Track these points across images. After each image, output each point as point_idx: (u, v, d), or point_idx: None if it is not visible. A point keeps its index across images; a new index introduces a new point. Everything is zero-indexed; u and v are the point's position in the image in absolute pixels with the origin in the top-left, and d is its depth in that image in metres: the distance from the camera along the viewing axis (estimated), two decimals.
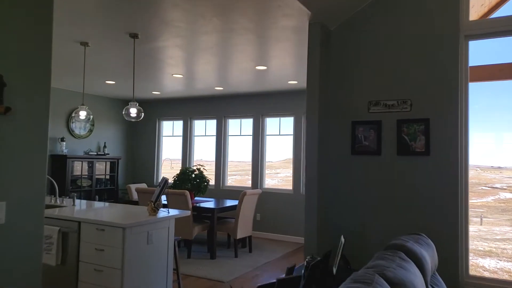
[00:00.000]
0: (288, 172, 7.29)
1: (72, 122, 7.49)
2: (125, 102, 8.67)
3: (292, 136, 7.07)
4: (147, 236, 3.26)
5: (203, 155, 8.22)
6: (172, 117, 8.45)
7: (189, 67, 5.49)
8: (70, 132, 7.46)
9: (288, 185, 7.17)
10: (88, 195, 7.49)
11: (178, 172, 6.35)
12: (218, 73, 5.84)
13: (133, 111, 4.35)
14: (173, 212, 3.74)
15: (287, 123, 7.19)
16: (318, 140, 3.43)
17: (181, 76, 5.98)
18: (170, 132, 8.61)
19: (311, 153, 3.43)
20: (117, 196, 8.01)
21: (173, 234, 3.61)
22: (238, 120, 7.75)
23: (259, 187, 7.28)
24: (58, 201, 4.09)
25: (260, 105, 7.36)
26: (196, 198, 6.64)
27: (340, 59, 3.57)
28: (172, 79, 6.29)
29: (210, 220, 5.66)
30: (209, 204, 6.01)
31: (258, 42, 4.18)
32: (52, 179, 4.03)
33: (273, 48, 4.45)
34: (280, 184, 7.40)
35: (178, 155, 8.41)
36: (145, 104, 8.83)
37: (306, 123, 3.54)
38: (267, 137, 7.40)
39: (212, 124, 8.07)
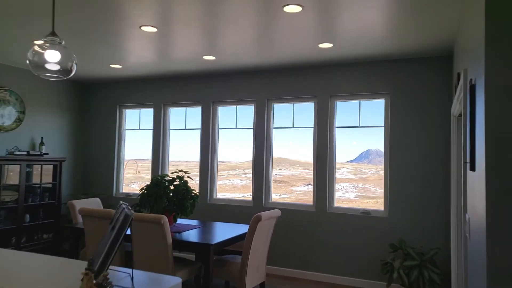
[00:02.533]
0: (306, 180, 5.23)
1: None
2: (77, 84, 6.29)
3: (312, 128, 5.01)
4: None
5: (183, 155, 6.00)
6: (139, 103, 6.17)
7: (167, 15, 3.31)
8: None
9: (306, 199, 5.11)
10: (12, 214, 5.10)
11: (148, 183, 4.13)
12: (209, 30, 3.69)
13: (51, 56, 1.98)
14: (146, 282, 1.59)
15: (302, 111, 5.13)
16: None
17: (154, 30, 3.77)
18: (136, 124, 6.33)
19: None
20: (59, 215, 5.64)
21: None
22: (232, 108, 5.61)
23: (263, 202, 5.17)
24: None
25: (267, 86, 5.25)
26: (178, 222, 4.44)
27: None
28: (140, 37, 4.07)
29: (203, 261, 3.51)
30: (198, 233, 3.84)
31: None
32: None
33: None
34: (289, 196, 5.32)
35: (147, 155, 6.15)
36: (100, 85, 6.49)
37: None
38: (275, 130, 5.30)
39: (195, 113, 5.87)
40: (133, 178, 6.43)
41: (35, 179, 5.45)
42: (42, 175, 5.51)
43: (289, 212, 4.97)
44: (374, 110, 4.75)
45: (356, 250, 4.61)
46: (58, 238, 5.63)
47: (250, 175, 5.41)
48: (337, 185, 4.87)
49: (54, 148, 5.99)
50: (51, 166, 5.61)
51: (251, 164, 5.38)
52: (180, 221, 4.49)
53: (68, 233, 5.34)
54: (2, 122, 5.24)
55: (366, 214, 4.62)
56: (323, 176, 4.84)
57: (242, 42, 4.09)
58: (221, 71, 5.43)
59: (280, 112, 5.29)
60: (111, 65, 5.28)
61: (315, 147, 4.96)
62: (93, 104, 6.52)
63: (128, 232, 3.71)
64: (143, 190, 4.12)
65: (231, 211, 5.32)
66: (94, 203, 4.71)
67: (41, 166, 5.48)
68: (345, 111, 4.91)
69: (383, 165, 4.63)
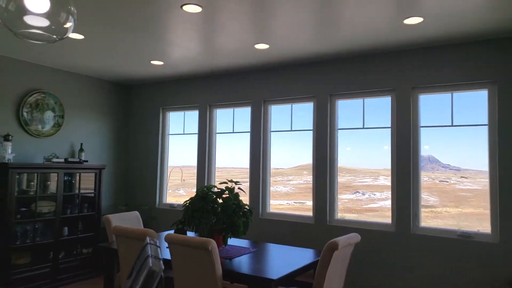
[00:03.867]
0: (383, 189, 4.34)
1: (26, 111, 4.69)
2: (117, 86, 5.84)
3: (390, 128, 4.12)
4: None
5: (230, 161, 5.33)
6: (183, 105, 5.59)
7: None
8: (23, 126, 4.66)
9: (383, 214, 4.22)
10: (50, 227, 4.67)
11: (194, 190, 3.48)
12: (262, 8, 2.96)
13: (36, 5, 1.23)
14: None
15: (374, 108, 4.26)
16: None
17: (198, 9, 3.11)
18: (180, 128, 5.76)
19: None
20: (99, 228, 5.16)
21: None
22: (286, 107, 4.85)
23: (328, 219, 4.33)
24: None
25: (329, 79, 4.44)
26: (228, 244, 3.72)
27: None
28: (182, 21, 3.43)
29: None
30: (253, 260, 3.10)
31: None
32: None
33: None
34: (360, 212, 4.45)
35: (192, 161, 5.54)
36: (141, 86, 5.99)
37: None
38: (340, 132, 4.46)
39: (243, 114, 5.18)
40: (178, 186, 5.85)
41: (74, 189, 5.01)
42: (81, 184, 5.05)
43: (361, 233, 4.10)
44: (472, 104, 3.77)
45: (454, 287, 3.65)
46: (97, 254, 5.15)
47: (294, 182, 4.63)
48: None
49: (93, 154, 5.55)
50: (90, 175, 5.15)
51: (296, 171, 4.58)
52: (229, 241, 3.77)
53: (102, 253, 4.83)
54: (41, 127, 4.85)
55: (466, 238, 3.64)
56: (404, 185, 3.92)
57: (300, 25, 3.32)
58: (275, 64, 4.70)
59: (346, 109, 4.45)
60: (152, 62, 4.73)
61: (395, 148, 4.06)
62: (135, 107, 6.04)
63: (168, 256, 3.06)
64: (186, 204, 3.47)
65: (289, 229, 4.53)
66: (132, 218, 4.13)
67: (79, 175, 5.03)
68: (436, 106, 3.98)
69: (448, 173, 3.65)
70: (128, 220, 4.10)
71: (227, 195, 3.43)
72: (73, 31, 3.69)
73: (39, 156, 4.84)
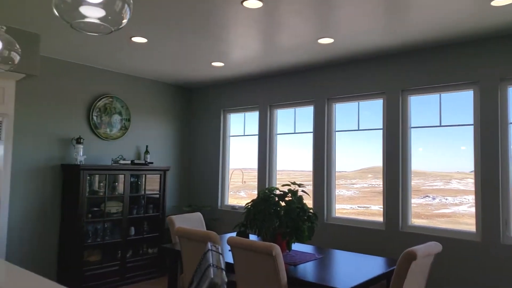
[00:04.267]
0: (457, 193, 3.91)
1: (96, 115, 4.91)
2: (180, 88, 5.95)
3: (471, 126, 3.69)
4: None
5: (292, 163, 5.15)
6: (243, 106, 5.53)
7: None
8: (93, 129, 4.88)
9: (457, 221, 3.79)
10: (118, 226, 4.83)
11: (254, 192, 3.35)
12: (326, 5, 2.76)
13: None
14: None
15: (451, 105, 3.84)
16: None
17: (259, 4, 2.99)
18: (241, 130, 5.70)
19: None
20: (163, 229, 5.25)
21: None
22: (352, 105, 4.57)
23: (400, 225, 3.98)
24: None
25: (402, 73, 4.10)
26: (292, 249, 3.54)
27: None
28: (242, 18, 3.33)
29: None
30: (320, 268, 2.89)
31: None
32: None
33: None
34: (437, 218, 4.03)
35: (253, 163, 5.45)
36: (203, 89, 6.04)
37: None
38: (412, 130, 4.10)
39: (305, 114, 4.98)
40: (239, 188, 5.79)
41: (140, 190, 5.15)
42: (146, 185, 5.18)
43: (439, 242, 3.70)
44: None
45: None
46: (162, 255, 5.24)
47: (358, 185, 4.32)
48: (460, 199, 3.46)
49: (158, 156, 5.68)
50: (155, 176, 5.27)
51: (359, 174, 4.27)
52: (293, 246, 3.60)
53: (166, 254, 4.89)
54: (109, 130, 5.05)
55: None
56: (492, 188, 3.47)
57: (367, 15, 3.07)
58: (339, 59, 4.45)
59: (420, 106, 4.07)
60: (213, 63, 4.71)
61: (479, 148, 3.63)
62: (197, 109, 6.10)
63: (230, 259, 2.96)
64: (248, 206, 3.35)
65: (356, 235, 4.25)
66: (195, 220, 4.12)
67: (145, 176, 5.16)
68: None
69: None
70: (191, 221, 4.09)
71: (290, 198, 3.26)
72: (137, 35, 3.77)
73: (108, 158, 5.04)
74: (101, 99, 4.95)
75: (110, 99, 5.06)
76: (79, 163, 4.46)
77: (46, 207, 4.45)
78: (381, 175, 4.23)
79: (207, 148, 5.91)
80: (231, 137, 5.80)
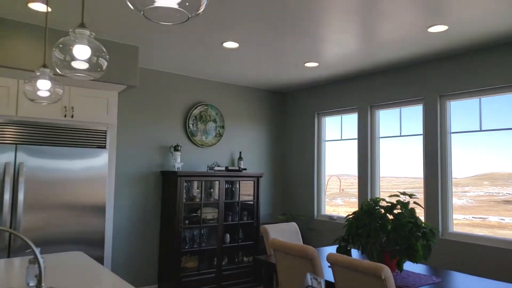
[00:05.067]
0: None
1: (192, 123, 5.00)
2: (272, 93, 5.81)
3: None
4: None
5: (397, 169, 4.60)
6: (340, 108, 5.14)
7: None
8: (189, 137, 4.96)
9: None
10: (213, 233, 4.82)
11: (353, 206, 2.97)
12: None
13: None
14: None
15: None
16: None
17: None
18: (337, 134, 5.32)
19: None
20: (257, 237, 5.11)
21: None
22: (472, 102, 3.89)
23: None
24: None
25: None
26: (404, 270, 3.06)
27: None
28: (337, 11, 3.00)
29: None
30: None
31: None
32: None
33: None
34: None
35: (352, 170, 5.02)
36: (296, 92, 5.80)
37: None
38: None
39: (413, 114, 4.41)
40: (336, 196, 5.40)
41: (234, 196, 5.09)
42: (240, 192, 5.10)
43: None
44: None
45: None
46: (257, 264, 5.09)
47: (472, 193, 3.60)
48: None
49: (251, 163, 5.58)
50: (249, 183, 5.17)
51: (473, 181, 3.55)
52: (404, 266, 3.11)
53: (261, 265, 4.72)
54: (205, 138, 5.10)
55: None
56: None
57: None
58: (454, 49, 3.82)
59: None
60: (306, 64, 4.44)
61: None
62: (290, 113, 5.88)
63: (331, 278, 2.63)
64: (349, 218, 2.99)
65: (482, 254, 3.56)
66: (290, 231, 3.86)
67: (238, 182, 5.09)
68: None
69: None
70: (286, 232, 3.85)
71: (400, 211, 2.81)
72: (229, 40, 3.68)
73: (203, 165, 5.08)
74: (196, 107, 5.02)
75: (205, 107, 5.11)
76: (176, 170, 4.55)
77: (147, 213, 4.62)
78: (500, 182, 3.51)
79: (301, 154, 5.64)
80: (326, 142, 5.45)
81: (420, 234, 2.67)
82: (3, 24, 3.17)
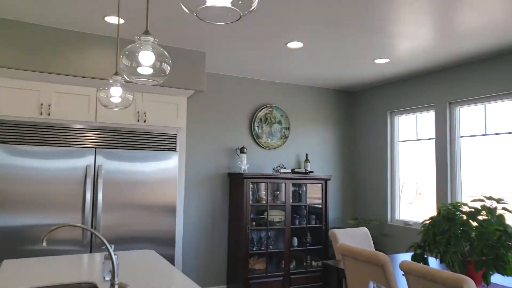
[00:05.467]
0: None
1: (257, 125, 5.01)
2: (339, 92, 5.64)
3: None
4: None
5: (480, 173, 4.15)
6: (414, 106, 4.80)
7: None
8: (255, 139, 4.98)
9: None
10: (280, 236, 4.77)
11: (430, 210, 2.73)
12: None
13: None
14: None
15: None
16: None
17: None
18: (412, 134, 4.97)
19: None
20: (326, 241, 4.95)
21: None
22: None
23: None
24: None
25: None
26: (492, 283, 2.74)
27: None
28: (410, 1, 2.79)
29: None
30: None
31: None
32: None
33: None
34: None
35: (429, 173, 4.65)
36: (366, 90, 5.54)
37: None
38: None
39: (501, 111, 3.95)
40: (412, 200, 5.04)
41: (301, 199, 4.99)
42: (307, 195, 4.99)
43: None
44: None
45: None
46: (326, 270, 4.94)
47: None
48: None
49: (318, 165, 5.44)
50: (316, 185, 5.04)
51: None
52: (492, 279, 2.78)
53: (330, 270, 4.54)
54: (270, 140, 5.08)
55: None
56: None
57: None
58: None
59: None
60: (376, 61, 4.22)
61: None
62: (359, 113, 5.63)
63: (402, 286, 2.42)
64: (426, 224, 2.74)
65: None
66: (360, 236, 3.67)
67: (305, 185, 4.99)
68: None
69: None
70: (356, 237, 3.67)
71: (485, 217, 2.51)
72: (293, 39, 3.62)
73: (269, 167, 5.06)
74: (261, 109, 5.02)
75: (270, 109, 5.10)
76: (242, 172, 4.58)
77: (215, 213, 4.71)
78: None
79: (372, 155, 5.37)
80: (400, 142, 5.12)
81: (511, 243, 2.35)
82: (81, 38, 3.45)
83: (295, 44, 3.75)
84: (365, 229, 3.79)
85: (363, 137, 5.53)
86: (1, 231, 3.03)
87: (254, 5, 1.09)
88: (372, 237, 5.12)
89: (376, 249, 4.82)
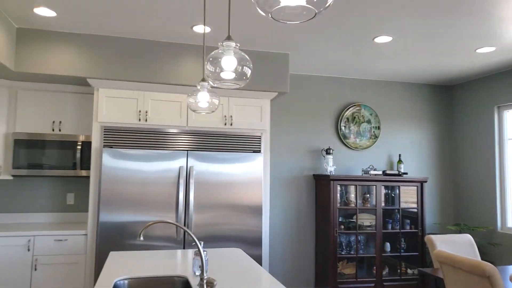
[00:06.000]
0: None
1: (344, 125, 4.85)
2: (435, 87, 5.21)
3: None
4: None
5: None
6: None
7: None
8: (341, 139, 4.83)
9: None
10: (370, 240, 4.54)
11: None
12: None
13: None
14: None
15: None
16: None
17: None
18: None
19: None
20: (423, 248, 4.58)
21: None
22: None
23: None
24: None
25: None
26: None
27: None
28: None
29: None
30: None
31: None
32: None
33: None
34: None
35: None
36: (465, 84, 5.01)
37: None
38: None
39: None
40: None
41: (394, 203, 4.70)
42: (401, 198, 4.67)
43: None
44: None
45: None
46: (423, 278, 4.56)
47: None
48: None
49: (413, 166, 5.06)
50: (411, 188, 4.69)
51: None
52: None
53: (426, 279, 4.16)
54: (358, 140, 4.88)
55: None
56: None
57: None
58: None
59: None
60: (478, 50, 3.79)
61: None
62: (459, 109, 5.11)
63: None
64: None
65: None
66: (462, 243, 3.31)
67: (398, 188, 4.67)
68: None
69: None
70: (456, 245, 3.32)
71: None
72: (381, 34, 3.43)
73: (357, 168, 4.85)
74: (348, 108, 4.85)
75: (358, 108, 4.90)
76: (329, 174, 4.47)
77: (301, 215, 4.66)
78: None
79: (476, 155, 4.82)
80: (510, 140, 4.52)
81: None
82: (171, 48, 3.70)
83: (383, 39, 3.56)
84: (469, 236, 3.41)
85: (465, 135, 5.00)
86: (109, 226, 3.39)
87: (330, 1, 1.04)
88: (478, 246, 4.59)
89: (482, 259, 4.31)
